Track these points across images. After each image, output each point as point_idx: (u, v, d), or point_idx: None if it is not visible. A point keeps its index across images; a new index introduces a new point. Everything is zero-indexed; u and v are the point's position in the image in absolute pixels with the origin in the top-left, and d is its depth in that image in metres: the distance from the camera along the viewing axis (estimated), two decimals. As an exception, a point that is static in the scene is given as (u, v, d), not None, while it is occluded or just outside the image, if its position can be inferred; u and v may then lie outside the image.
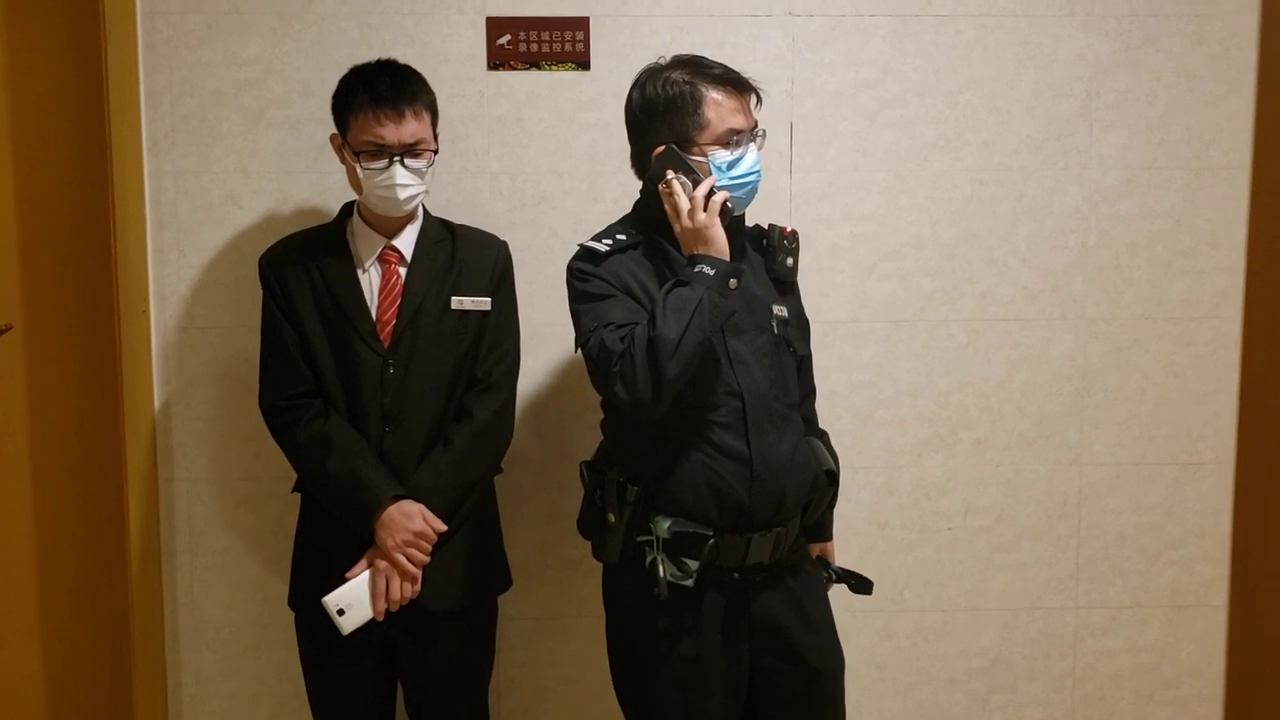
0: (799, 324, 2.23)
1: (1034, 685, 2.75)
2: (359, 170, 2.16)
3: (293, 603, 2.31)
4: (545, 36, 2.54)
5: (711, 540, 1.99)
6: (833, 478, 2.16)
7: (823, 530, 2.28)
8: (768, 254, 2.18)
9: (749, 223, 2.19)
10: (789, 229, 2.18)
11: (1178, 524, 2.73)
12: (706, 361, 1.98)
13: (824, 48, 2.59)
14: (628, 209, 2.17)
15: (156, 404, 2.58)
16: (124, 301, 2.54)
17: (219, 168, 2.54)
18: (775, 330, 2.10)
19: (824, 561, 2.29)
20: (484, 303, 2.25)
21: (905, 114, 2.62)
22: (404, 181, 2.16)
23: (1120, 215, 2.65)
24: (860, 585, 2.26)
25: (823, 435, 2.28)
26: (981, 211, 2.65)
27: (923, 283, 2.66)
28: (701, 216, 1.96)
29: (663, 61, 2.09)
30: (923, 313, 2.67)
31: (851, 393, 2.66)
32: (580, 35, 2.54)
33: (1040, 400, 2.69)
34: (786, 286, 2.20)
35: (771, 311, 2.11)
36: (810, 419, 2.28)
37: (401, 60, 2.26)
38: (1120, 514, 2.72)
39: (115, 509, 2.64)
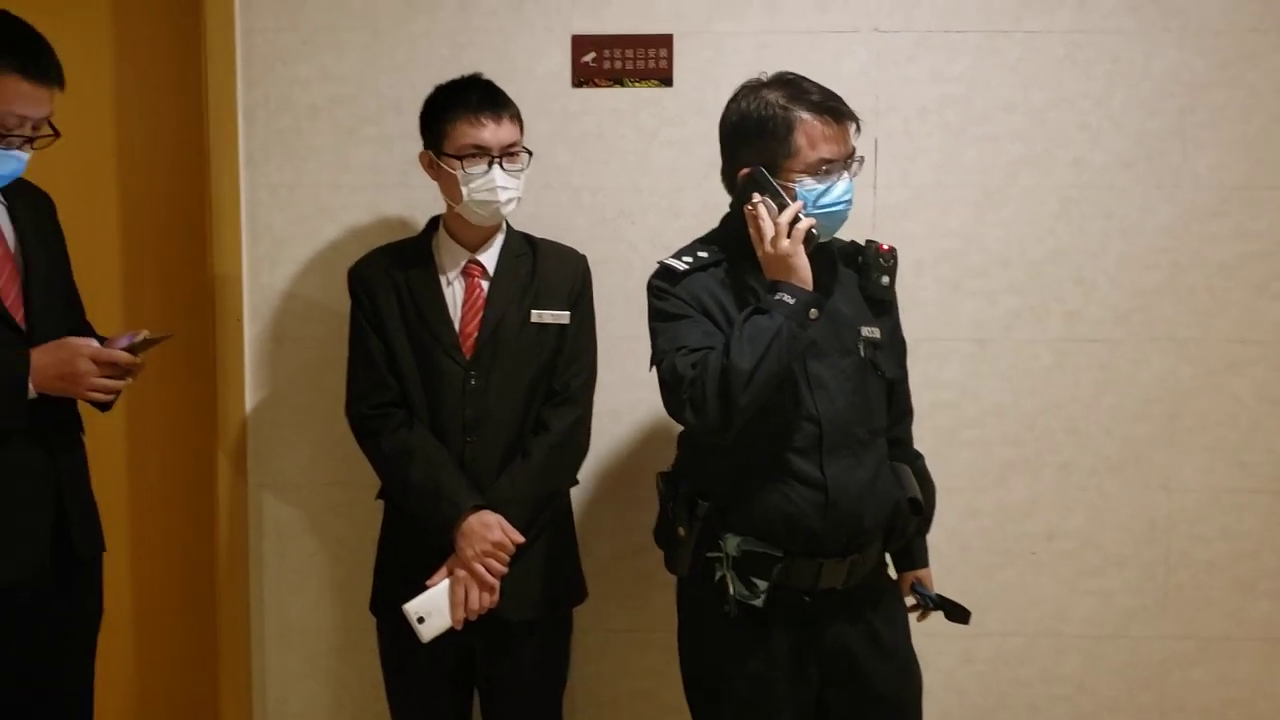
0: (893, 345, 2.16)
1: (1118, 716, 2.68)
2: (459, 175, 2.19)
3: (374, 608, 2.35)
4: (629, 54, 2.56)
5: (780, 563, 1.97)
6: (917, 506, 2.11)
7: (914, 557, 2.25)
8: (861, 271, 2.11)
9: (844, 238, 2.13)
10: (885, 246, 2.11)
11: (1273, 554, 2.64)
12: (783, 386, 1.94)
13: (909, 64, 2.58)
14: (708, 224, 2.16)
15: (248, 410, 2.65)
16: (219, 312, 2.62)
17: (312, 182, 2.61)
18: (862, 353, 2.04)
19: (920, 589, 2.25)
20: (563, 316, 2.27)
21: (992, 130, 2.59)
22: (504, 184, 2.19)
23: (1213, 235, 2.59)
24: (956, 614, 2.20)
25: (917, 458, 2.24)
26: (1070, 230, 2.60)
27: (1009, 301, 2.62)
28: (785, 244, 1.91)
29: (763, 78, 2.02)
30: (1008, 332, 2.63)
31: (934, 412, 2.62)
32: (664, 53, 2.56)
33: (1128, 423, 2.63)
34: (881, 305, 2.12)
35: (859, 333, 2.05)
36: (903, 441, 2.23)
37: (488, 77, 2.29)
38: (1210, 542, 2.64)
39: (206, 512, 2.72)
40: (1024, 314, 2.62)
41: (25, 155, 2.00)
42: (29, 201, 2.14)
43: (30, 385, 1.98)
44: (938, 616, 2.26)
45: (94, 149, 2.68)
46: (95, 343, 2.06)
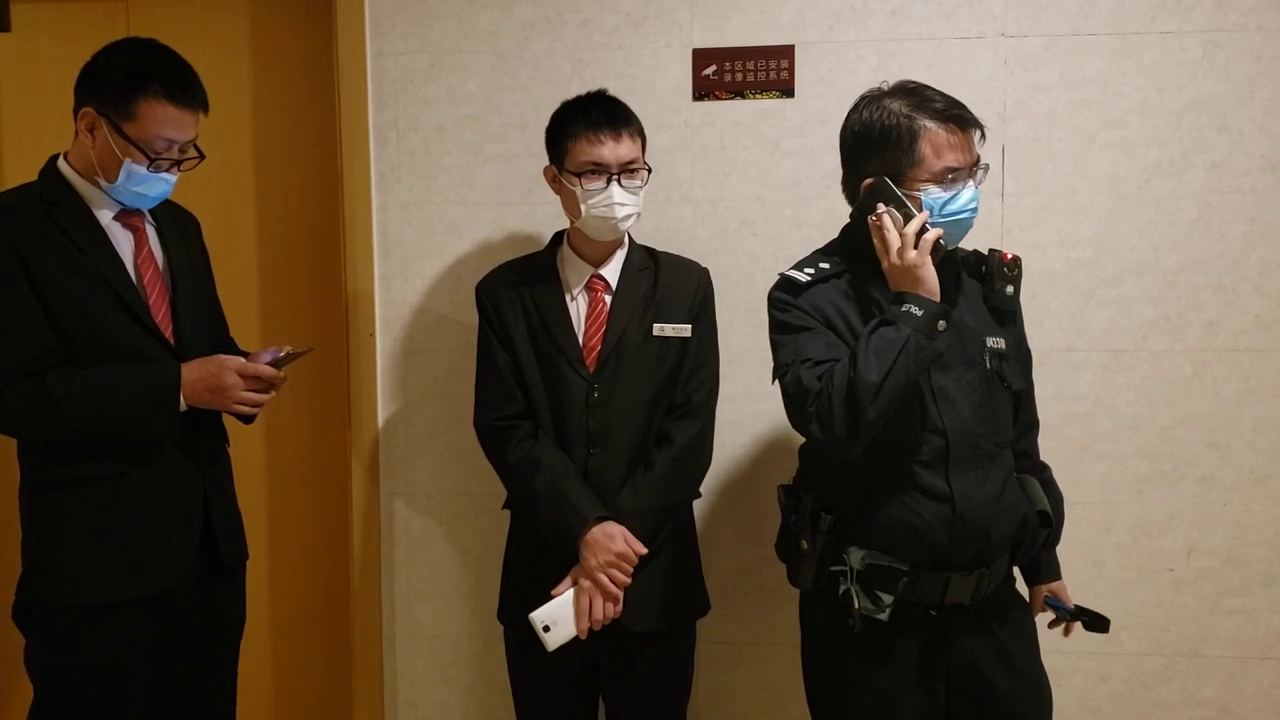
0: (1018, 355, 2.11)
1: (1266, 741, 2.58)
2: (578, 192, 2.22)
3: (501, 616, 2.39)
4: (750, 66, 2.56)
5: (906, 576, 1.94)
6: (1045, 518, 2.06)
7: (1044, 570, 2.21)
8: (985, 281, 2.07)
9: (967, 247, 2.10)
10: (1009, 255, 2.06)
11: None
12: (909, 399, 1.91)
13: (1038, 68, 2.52)
14: (830, 235, 2.14)
15: (380, 421, 2.73)
16: (353, 326, 2.70)
17: (440, 199, 2.67)
18: (988, 364, 2.01)
19: (1055, 602, 2.20)
20: (684, 329, 2.28)
21: (1125, 135, 2.51)
22: (621, 200, 2.22)
23: (1367, 239, 2.47)
24: (1095, 623, 2.15)
25: (1044, 470, 2.19)
26: (1209, 236, 2.51)
27: (1144, 310, 2.54)
28: (911, 255, 1.88)
29: (885, 87, 1.99)
30: (1144, 342, 2.55)
31: (1066, 425, 2.56)
32: (785, 64, 2.56)
33: (1274, 436, 2.52)
34: (1006, 315, 2.08)
35: (985, 344, 2.02)
36: (1030, 454, 2.18)
37: (611, 93, 2.32)
38: (1366, 561, 2.52)
39: (340, 520, 2.80)
40: (1160, 323, 2.54)
41: (173, 177, 2.09)
42: (177, 222, 2.24)
43: (181, 398, 2.07)
44: (1073, 630, 2.20)
45: (233, 170, 2.79)
46: (241, 358, 2.14)
